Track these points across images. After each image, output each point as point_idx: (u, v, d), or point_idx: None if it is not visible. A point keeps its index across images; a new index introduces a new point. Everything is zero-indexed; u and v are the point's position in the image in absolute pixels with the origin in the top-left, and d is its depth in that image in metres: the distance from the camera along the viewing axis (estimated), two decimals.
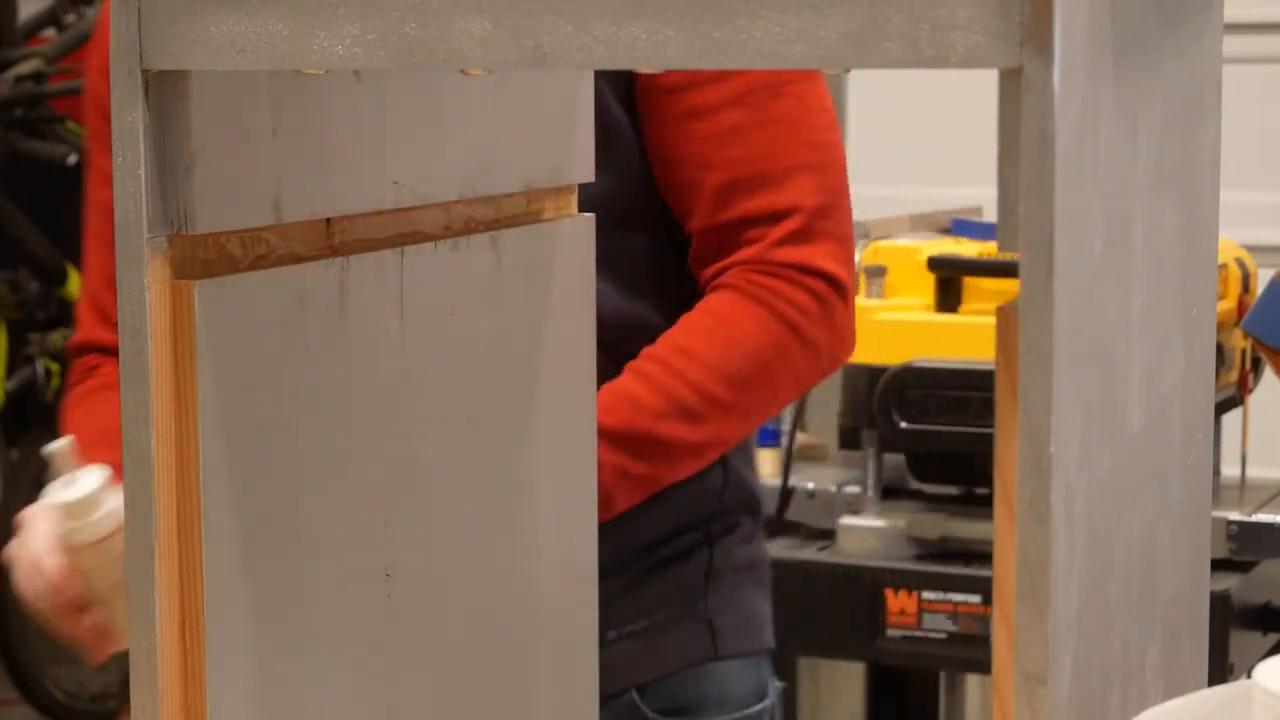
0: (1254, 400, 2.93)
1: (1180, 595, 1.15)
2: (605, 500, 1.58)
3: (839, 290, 1.74)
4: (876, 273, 2.88)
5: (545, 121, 1.35)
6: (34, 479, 4.68)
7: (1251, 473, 2.96)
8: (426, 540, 1.23)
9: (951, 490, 2.91)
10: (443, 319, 1.24)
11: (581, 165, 1.39)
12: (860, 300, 2.70)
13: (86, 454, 1.54)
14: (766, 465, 2.91)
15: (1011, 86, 0.88)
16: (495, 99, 1.29)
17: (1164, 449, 1.10)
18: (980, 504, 2.85)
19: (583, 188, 1.40)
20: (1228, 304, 2.83)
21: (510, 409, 1.32)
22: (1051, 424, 0.89)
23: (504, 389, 1.31)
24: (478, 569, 1.29)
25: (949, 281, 2.85)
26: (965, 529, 2.81)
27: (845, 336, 1.77)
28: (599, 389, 1.47)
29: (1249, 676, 0.95)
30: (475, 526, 1.28)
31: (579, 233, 1.39)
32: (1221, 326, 2.79)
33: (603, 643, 1.62)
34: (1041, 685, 0.90)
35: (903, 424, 2.77)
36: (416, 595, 1.22)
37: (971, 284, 2.86)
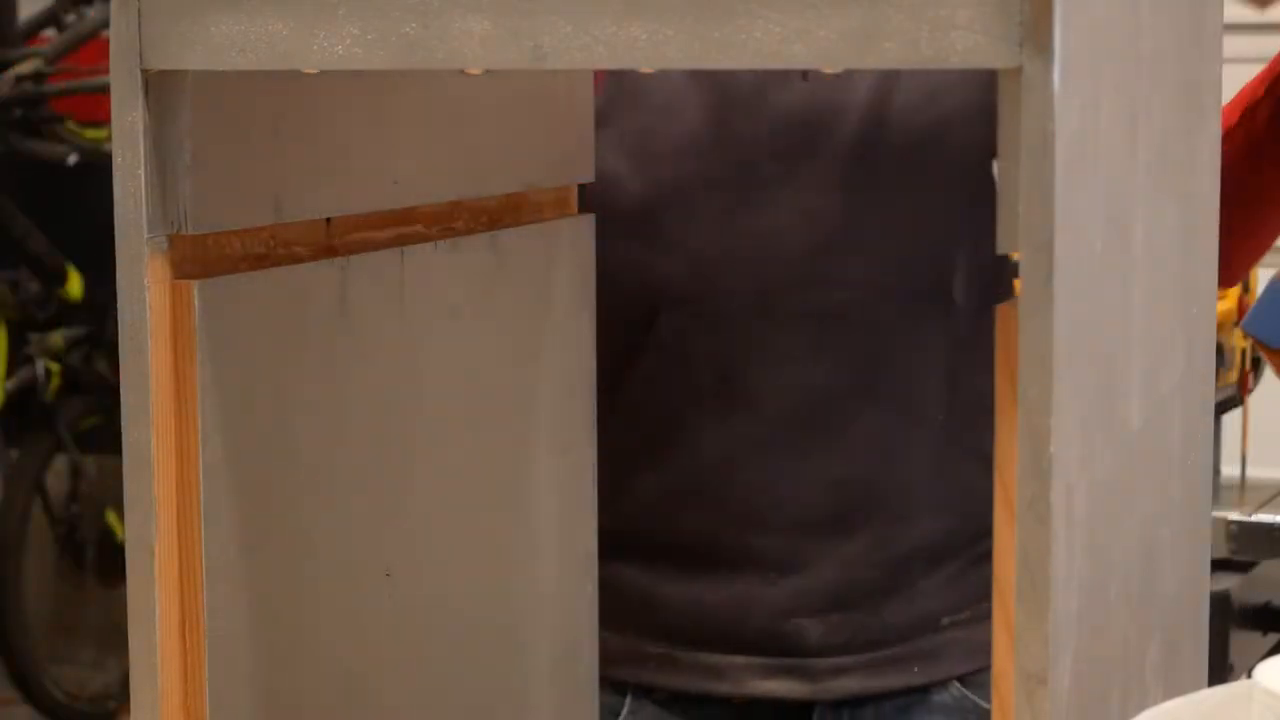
0: (1254, 400, 2.93)
1: (1180, 595, 1.15)
2: None
3: None
4: None
5: (545, 121, 1.35)
6: (34, 479, 4.68)
7: (1251, 473, 2.96)
8: (426, 540, 1.23)
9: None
10: (443, 319, 1.24)
11: (581, 165, 1.39)
12: None
13: None
14: None
15: (1011, 86, 0.88)
16: (495, 99, 1.29)
17: (1164, 449, 1.10)
18: None
19: None
20: (1228, 304, 2.83)
21: (510, 409, 1.32)
22: (1051, 424, 0.89)
23: (504, 388, 1.31)
24: (478, 569, 1.29)
25: None
26: None
27: None
28: None
29: (1249, 676, 0.95)
30: (475, 526, 1.28)
31: (579, 233, 1.39)
32: (1221, 326, 2.79)
33: (936, 629, 1.66)
34: (1041, 685, 0.90)
35: None
36: (416, 595, 1.22)
37: None
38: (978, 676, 1.74)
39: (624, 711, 1.65)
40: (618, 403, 1.60)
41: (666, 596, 1.64)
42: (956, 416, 1.69)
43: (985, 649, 1.74)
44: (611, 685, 1.64)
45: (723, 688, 1.63)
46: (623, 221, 1.56)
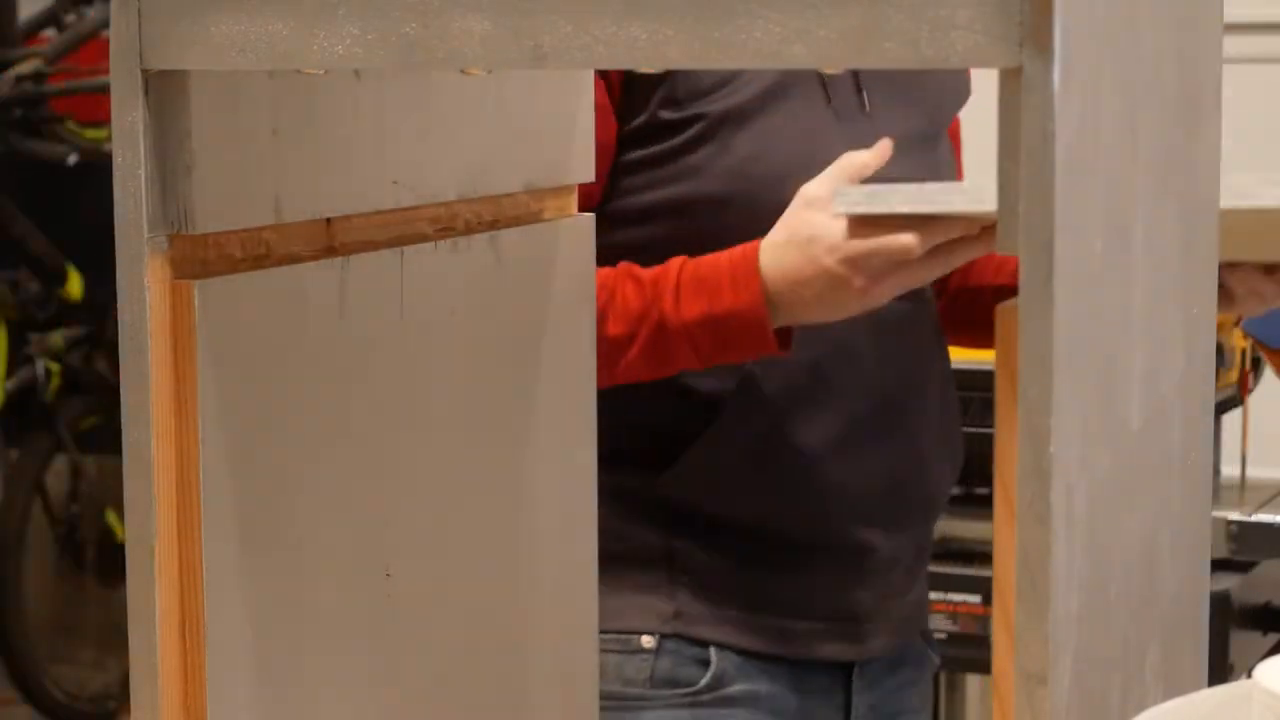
0: (1254, 400, 2.93)
1: (1180, 595, 1.15)
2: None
3: None
4: None
5: (545, 121, 1.35)
6: (34, 479, 4.68)
7: (1251, 473, 2.96)
8: (426, 540, 1.23)
9: (952, 490, 2.91)
10: (443, 319, 1.24)
11: (581, 165, 1.39)
12: None
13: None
14: None
15: (1011, 86, 0.88)
16: (495, 99, 1.29)
17: (1164, 449, 1.10)
18: (980, 504, 2.85)
19: None
20: None
21: (510, 408, 1.32)
22: (1051, 424, 0.89)
23: (504, 389, 1.31)
24: (478, 568, 1.29)
25: None
26: (965, 529, 2.81)
27: None
28: None
29: (1249, 676, 0.95)
30: (475, 526, 1.28)
31: (579, 233, 1.39)
32: (1221, 326, 2.79)
33: (910, 590, 1.91)
34: (1041, 685, 0.90)
35: None
36: (416, 595, 1.22)
37: None
38: (927, 632, 2.01)
39: (712, 659, 1.83)
40: (736, 400, 1.78)
41: (747, 570, 1.82)
42: (945, 415, 1.93)
43: (925, 607, 1.97)
44: (689, 640, 1.83)
45: (792, 650, 1.84)
46: (735, 237, 1.72)
